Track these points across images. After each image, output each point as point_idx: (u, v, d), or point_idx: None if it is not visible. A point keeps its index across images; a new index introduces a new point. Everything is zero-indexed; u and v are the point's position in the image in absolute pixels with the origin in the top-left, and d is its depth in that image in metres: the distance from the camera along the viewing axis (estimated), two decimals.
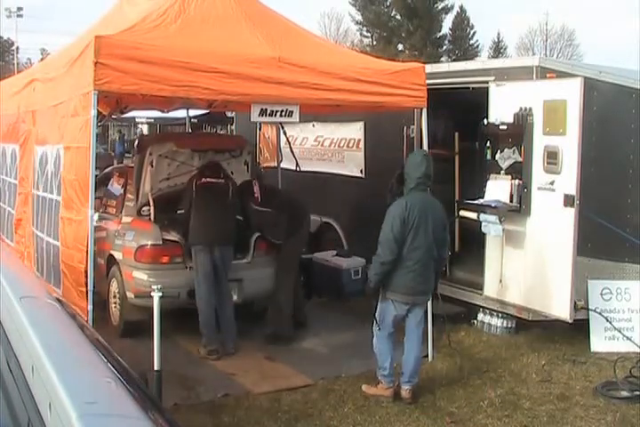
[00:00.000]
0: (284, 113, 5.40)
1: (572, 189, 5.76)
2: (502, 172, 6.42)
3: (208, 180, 6.18)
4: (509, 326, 6.78)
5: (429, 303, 6.09)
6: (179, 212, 6.27)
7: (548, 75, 6.18)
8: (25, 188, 6.40)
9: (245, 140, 7.65)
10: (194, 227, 6.08)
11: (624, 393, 5.30)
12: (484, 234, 6.52)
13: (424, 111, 5.97)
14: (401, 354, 5.22)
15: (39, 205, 5.97)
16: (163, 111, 9.28)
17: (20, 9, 54.59)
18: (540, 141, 6.05)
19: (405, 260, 4.96)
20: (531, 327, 6.71)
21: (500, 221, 6.20)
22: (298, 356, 6.08)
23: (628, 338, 6.25)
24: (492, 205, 6.29)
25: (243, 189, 6.57)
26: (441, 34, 53.57)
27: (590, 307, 6.33)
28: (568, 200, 5.79)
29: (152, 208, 6.37)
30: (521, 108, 6.16)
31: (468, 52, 52.23)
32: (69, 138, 5.08)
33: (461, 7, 53.31)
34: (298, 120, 5.60)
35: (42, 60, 24.82)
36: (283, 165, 8.66)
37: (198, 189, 6.14)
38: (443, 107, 7.09)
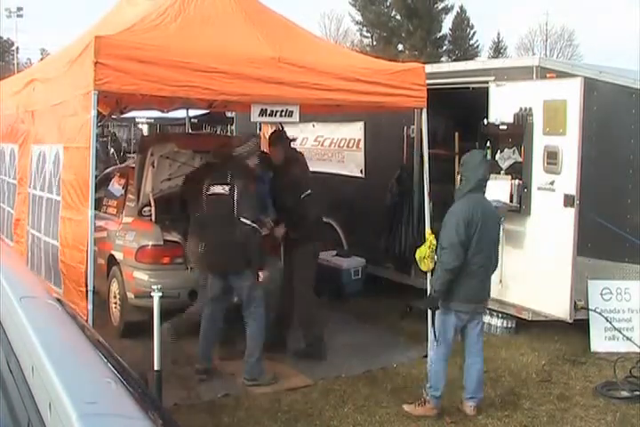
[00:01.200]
0: (283, 113, 5.39)
1: (572, 189, 5.77)
2: (502, 172, 6.42)
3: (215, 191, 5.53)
4: (509, 326, 6.78)
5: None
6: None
7: (548, 75, 6.18)
8: (24, 188, 6.40)
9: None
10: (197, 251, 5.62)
11: (624, 393, 5.30)
12: None
13: (424, 111, 5.97)
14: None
15: (35, 204, 5.97)
16: (163, 111, 9.28)
17: (19, 9, 54.58)
18: (539, 141, 6.06)
19: (469, 265, 4.71)
20: (531, 327, 6.71)
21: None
22: (298, 356, 6.07)
23: (628, 338, 6.25)
24: (492, 205, 6.28)
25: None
26: (441, 34, 53.55)
27: (590, 307, 6.33)
28: (568, 200, 5.79)
29: (153, 208, 6.37)
30: (521, 109, 6.16)
31: (468, 53, 52.20)
32: (69, 138, 5.08)
33: (461, 7, 53.36)
34: (298, 120, 5.59)
35: (42, 60, 24.82)
36: None
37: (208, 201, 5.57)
38: (443, 107, 7.10)
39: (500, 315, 6.77)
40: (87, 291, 4.60)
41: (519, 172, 6.26)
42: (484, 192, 4.94)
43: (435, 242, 5.99)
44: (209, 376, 5.52)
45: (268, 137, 6.66)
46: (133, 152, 28.48)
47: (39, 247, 5.85)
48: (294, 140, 7.09)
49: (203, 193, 5.53)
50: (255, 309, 5.48)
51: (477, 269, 4.75)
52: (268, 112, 5.31)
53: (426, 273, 6.12)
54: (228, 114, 14.51)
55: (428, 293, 4.87)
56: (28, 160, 6.18)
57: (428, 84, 5.96)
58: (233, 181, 5.45)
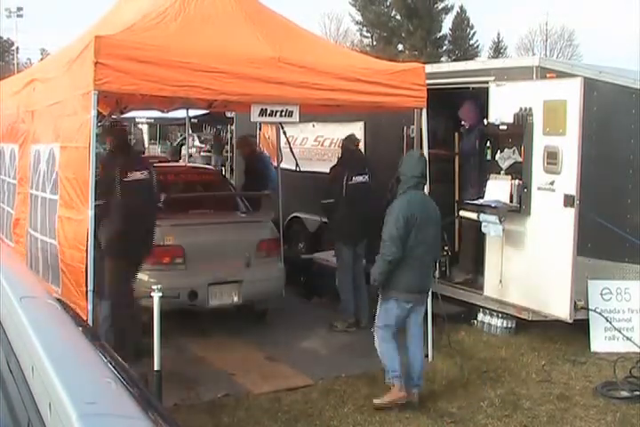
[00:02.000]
0: (283, 113, 5.40)
1: (572, 190, 5.76)
2: (502, 172, 6.42)
3: None
4: (509, 326, 6.78)
5: (429, 303, 6.12)
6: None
7: (547, 75, 6.18)
8: (24, 187, 6.40)
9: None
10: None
11: (624, 393, 5.30)
12: (483, 234, 6.52)
13: (424, 111, 5.97)
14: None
15: (32, 203, 5.97)
16: (163, 111, 9.27)
17: (20, 9, 54.56)
18: (540, 141, 6.05)
19: (408, 257, 4.97)
20: (531, 327, 6.71)
21: (500, 221, 6.20)
22: (298, 356, 6.08)
23: (628, 338, 6.25)
24: (492, 205, 6.29)
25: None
26: (441, 34, 53.53)
27: (590, 307, 6.33)
28: (568, 200, 5.78)
29: None
30: (521, 109, 6.16)
31: (468, 53, 52.18)
32: (67, 137, 5.07)
33: (461, 7, 53.32)
34: (298, 120, 5.60)
35: (42, 60, 24.83)
36: (283, 165, 8.65)
37: None
38: (443, 107, 7.11)
39: (499, 315, 6.77)
40: (87, 291, 4.60)
41: (519, 172, 6.26)
42: (423, 188, 5.28)
43: None
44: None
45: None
46: None
47: (37, 247, 5.84)
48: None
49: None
50: None
51: (416, 262, 5.01)
52: (268, 112, 5.31)
53: None
54: (228, 114, 14.50)
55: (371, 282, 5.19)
56: (28, 160, 6.18)
57: (428, 84, 5.96)
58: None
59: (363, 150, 8.44)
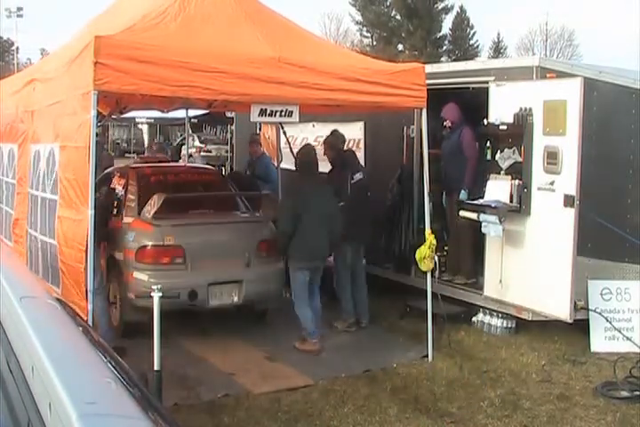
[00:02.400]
0: (283, 113, 5.40)
1: (572, 190, 5.76)
2: (502, 172, 6.41)
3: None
4: (509, 326, 6.78)
5: (429, 303, 6.13)
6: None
7: (547, 75, 6.18)
8: (23, 187, 6.40)
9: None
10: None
11: (624, 393, 5.30)
12: (483, 234, 6.52)
13: (424, 111, 5.97)
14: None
15: (32, 203, 5.97)
16: (163, 111, 9.28)
17: (20, 9, 54.63)
18: (539, 142, 6.05)
19: (301, 231, 6.09)
20: (531, 327, 6.71)
21: (500, 221, 6.20)
22: (298, 356, 6.08)
23: (628, 338, 6.25)
24: (492, 205, 6.28)
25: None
26: (441, 34, 53.61)
27: (590, 307, 6.33)
28: (568, 200, 5.78)
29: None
30: (521, 109, 6.16)
31: (468, 53, 52.24)
32: (66, 137, 5.07)
33: (461, 7, 53.44)
34: (298, 120, 5.60)
35: (42, 59, 24.79)
36: (283, 165, 8.66)
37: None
38: (443, 107, 7.11)
39: (500, 315, 6.77)
40: (87, 291, 4.60)
41: (519, 172, 6.25)
42: (315, 175, 6.43)
43: (435, 242, 6.00)
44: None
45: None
46: (133, 152, 28.59)
47: (37, 247, 5.84)
48: None
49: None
50: None
51: (309, 235, 6.10)
52: (268, 112, 5.32)
53: (426, 273, 6.13)
54: (228, 114, 14.52)
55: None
56: (27, 160, 6.18)
57: (428, 85, 5.96)
58: None
59: (363, 150, 8.47)
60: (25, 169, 6.32)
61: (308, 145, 7.25)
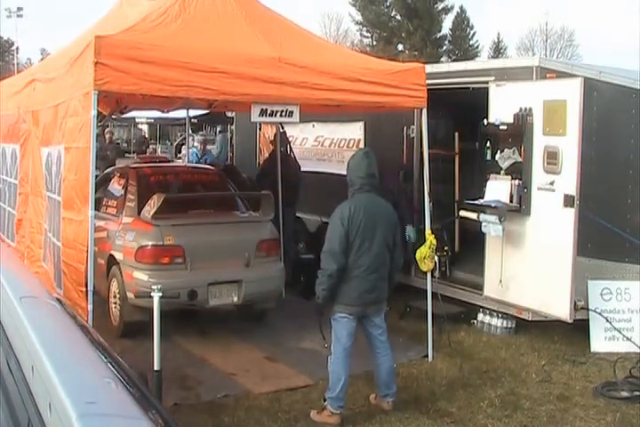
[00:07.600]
0: (284, 113, 5.40)
1: (572, 190, 5.76)
2: (502, 172, 6.41)
3: None
4: (509, 326, 6.78)
5: (429, 303, 6.12)
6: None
7: (547, 75, 6.18)
8: (25, 188, 6.40)
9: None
10: None
11: (624, 393, 5.30)
12: (483, 234, 6.52)
13: (424, 111, 5.97)
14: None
15: (50, 205, 5.97)
16: (163, 111, 9.29)
17: (20, 9, 54.63)
18: (539, 142, 6.05)
19: (353, 268, 4.60)
20: (531, 327, 6.71)
21: (500, 221, 6.20)
22: (298, 356, 6.08)
23: (628, 338, 6.25)
24: (492, 205, 6.29)
25: None
26: (441, 34, 53.61)
27: (590, 307, 6.33)
28: (568, 200, 5.78)
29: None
30: (521, 109, 6.16)
31: (468, 53, 52.26)
32: (69, 138, 5.08)
33: (461, 7, 53.45)
34: (298, 120, 5.60)
35: (42, 60, 24.80)
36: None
37: None
38: (443, 107, 7.10)
39: (499, 315, 6.77)
40: (87, 291, 4.60)
41: (519, 172, 6.25)
42: (371, 191, 4.77)
43: (435, 242, 6.00)
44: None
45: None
46: (133, 152, 28.58)
47: (51, 250, 5.83)
48: None
49: None
50: None
51: (363, 272, 4.62)
52: (269, 112, 5.31)
53: (426, 273, 6.13)
54: (228, 114, 14.52)
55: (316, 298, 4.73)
56: (34, 162, 6.17)
57: (428, 85, 5.97)
58: None
59: None
60: (27, 170, 6.33)
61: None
